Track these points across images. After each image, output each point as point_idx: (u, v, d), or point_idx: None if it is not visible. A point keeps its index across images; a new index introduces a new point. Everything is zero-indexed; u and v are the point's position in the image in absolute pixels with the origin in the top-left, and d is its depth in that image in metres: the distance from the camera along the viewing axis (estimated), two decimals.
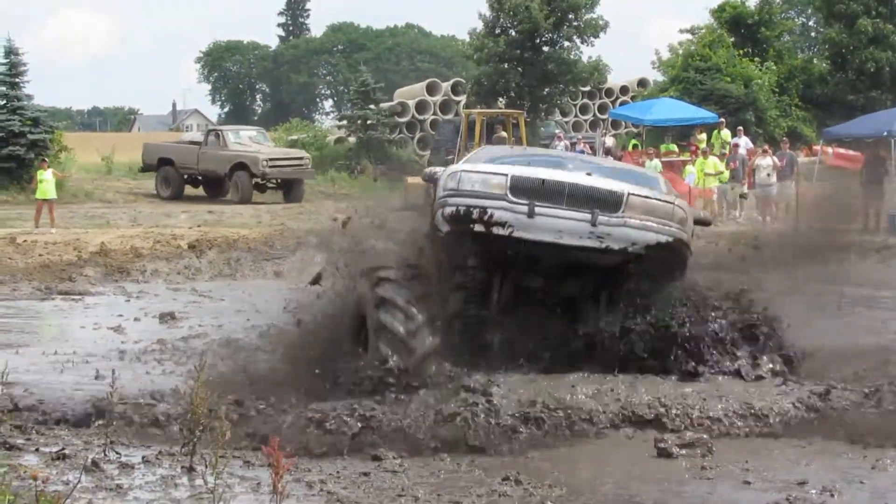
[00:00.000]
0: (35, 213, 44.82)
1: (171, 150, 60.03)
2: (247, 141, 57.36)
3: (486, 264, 15.71)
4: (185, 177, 58.19)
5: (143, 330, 23.60)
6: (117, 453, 12.77)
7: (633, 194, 15.64)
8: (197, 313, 25.71)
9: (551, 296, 16.02)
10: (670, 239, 15.38)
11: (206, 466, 10.30)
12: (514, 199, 14.79)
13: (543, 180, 15.26)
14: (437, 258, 16.17)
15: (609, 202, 15.12)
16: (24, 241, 38.60)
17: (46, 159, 50.42)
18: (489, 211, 14.74)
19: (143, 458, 12.65)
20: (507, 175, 15.11)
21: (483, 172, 15.62)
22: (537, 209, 14.69)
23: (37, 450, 13.56)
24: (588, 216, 14.85)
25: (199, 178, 58.04)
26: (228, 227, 42.94)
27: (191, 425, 11.00)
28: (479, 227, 14.89)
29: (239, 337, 21.81)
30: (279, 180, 55.57)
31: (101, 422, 13.96)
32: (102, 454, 12.65)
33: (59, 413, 15.90)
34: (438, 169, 17.14)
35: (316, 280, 20.27)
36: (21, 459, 12.95)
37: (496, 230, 14.76)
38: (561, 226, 14.83)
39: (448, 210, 14.99)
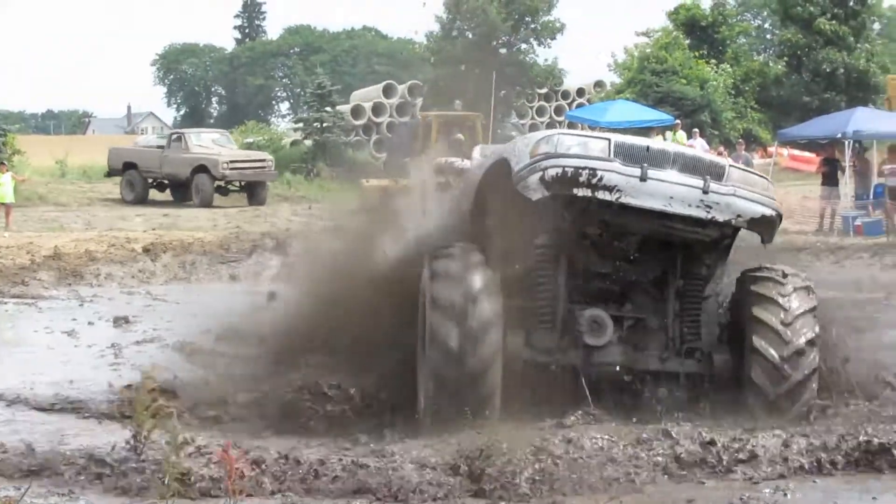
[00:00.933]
0: None
1: (134, 153, 59.85)
2: (209, 144, 57.35)
3: (561, 241, 14.32)
4: (150, 181, 58.00)
5: (96, 334, 23.55)
6: None
7: (733, 166, 14.66)
8: (151, 317, 25.68)
9: (616, 280, 14.72)
10: (773, 213, 14.38)
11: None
12: (623, 162, 13.61)
13: (648, 146, 14.08)
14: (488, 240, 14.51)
15: (714, 172, 13.99)
16: None
17: (5, 163, 50.58)
18: (599, 173, 13.42)
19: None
20: (609, 140, 13.93)
21: (582, 135, 14.69)
22: (650, 173, 13.55)
23: None
24: (701, 183, 13.70)
25: (164, 181, 57.84)
26: (184, 230, 42.92)
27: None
28: (582, 192, 13.46)
29: (192, 341, 21.78)
30: (242, 183, 55.57)
31: None
32: None
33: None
34: (454, 159, 16.69)
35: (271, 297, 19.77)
36: None
37: (601, 194, 13.45)
38: (673, 191, 13.65)
39: (551, 172, 13.41)
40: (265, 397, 16.32)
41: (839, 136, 48.67)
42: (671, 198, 13.54)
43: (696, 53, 72.69)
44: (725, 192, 13.74)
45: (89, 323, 25.16)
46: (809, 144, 53.99)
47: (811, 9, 74.03)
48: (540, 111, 77.32)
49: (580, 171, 13.33)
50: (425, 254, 14.32)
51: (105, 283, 32.80)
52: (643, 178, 13.38)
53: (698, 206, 13.65)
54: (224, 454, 8.77)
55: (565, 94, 76.77)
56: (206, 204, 53.48)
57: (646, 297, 14.86)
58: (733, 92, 72.34)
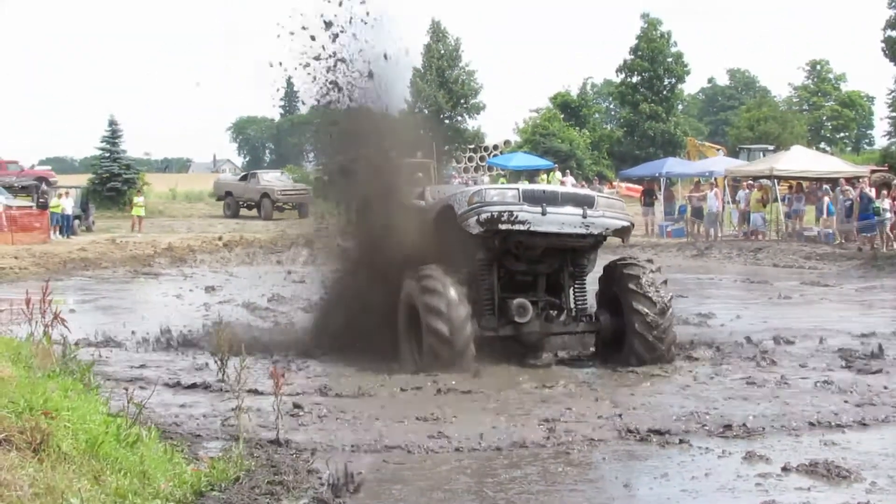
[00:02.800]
0: (132, 224, 45.31)
1: (231, 185, 60.13)
2: (272, 179, 57.83)
3: (493, 255, 14.13)
4: (240, 203, 57.86)
5: (194, 297, 23.66)
6: None
7: (600, 195, 14.92)
8: (228, 287, 25.74)
9: (530, 275, 14.54)
10: (628, 223, 14.37)
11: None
12: (529, 204, 13.55)
13: (544, 190, 14.31)
14: (445, 255, 14.13)
15: (587, 202, 14.00)
16: (120, 241, 38.56)
17: (141, 190, 50.85)
18: (514, 213, 13.41)
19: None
20: (518, 188, 13.95)
21: (499, 188, 14.39)
22: (548, 209, 13.52)
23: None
24: (580, 211, 13.70)
25: (247, 204, 57.63)
26: (249, 232, 42.98)
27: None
28: (505, 226, 13.46)
29: (253, 301, 21.93)
30: (292, 204, 55.85)
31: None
32: None
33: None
34: (427, 194, 15.64)
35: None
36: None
37: (517, 227, 13.45)
38: (564, 220, 13.63)
39: (483, 215, 13.39)
40: (294, 339, 16.52)
41: (657, 175, 49.23)
42: (563, 223, 13.60)
43: (567, 124, 72.90)
44: (597, 215, 13.82)
45: (190, 290, 25.26)
46: (638, 180, 54.31)
47: (638, 97, 74.40)
48: (470, 159, 77.32)
49: (502, 213, 13.36)
50: (408, 268, 13.92)
51: (200, 265, 32.87)
52: (544, 213, 13.45)
53: (581, 227, 13.72)
54: (274, 371, 9.03)
55: (486, 148, 76.61)
56: (268, 218, 53.44)
57: (549, 284, 14.71)
58: (591, 148, 72.53)
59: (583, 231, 13.84)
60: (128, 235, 42.81)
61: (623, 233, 14.43)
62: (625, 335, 14.25)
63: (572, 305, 14.75)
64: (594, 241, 14.37)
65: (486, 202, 13.52)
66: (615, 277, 14.51)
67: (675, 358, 14.26)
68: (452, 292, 13.30)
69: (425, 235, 14.31)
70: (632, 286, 14.11)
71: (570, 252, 14.50)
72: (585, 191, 16.14)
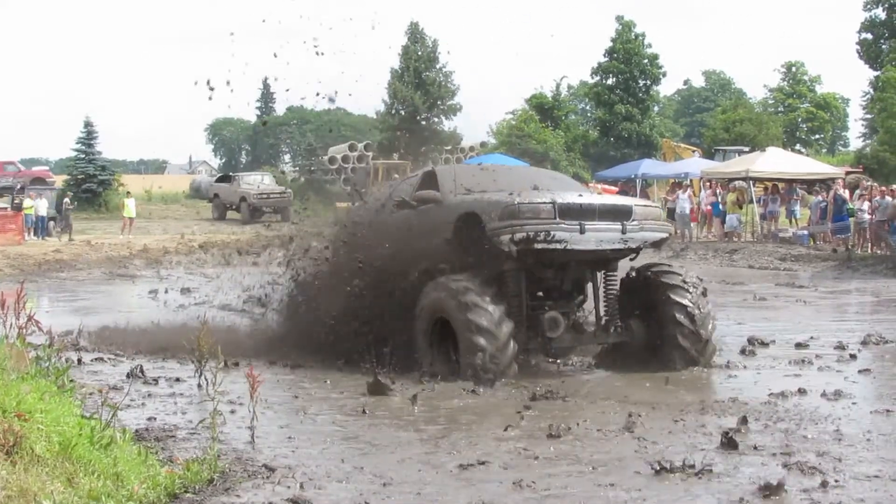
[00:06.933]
0: (122, 225, 45.36)
1: (217, 188, 60.29)
2: (252, 182, 57.94)
3: (521, 264, 13.29)
4: (226, 205, 58.06)
5: (169, 298, 23.60)
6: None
7: (637, 205, 13.88)
8: (203, 288, 25.69)
9: (557, 281, 13.87)
10: (666, 235, 13.89)
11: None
12: (565, 220, 12.77)
13: (581, 205, 13.10)
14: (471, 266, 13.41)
15: (625, 214, 13.29)
16: (96, 242, 38.48)
17: (130, 192, 50.89)
18: (551, 233, 12.62)
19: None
20: (554, 203, 12.89)
21: (533, 203, 12.89)
22: (586, 225, 12.83)
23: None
24: (619, 227, 13.09)
25: (232, 206, 57.71)
26: (224, 234, 42.92)
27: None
28: (541, 245, 12.72)
29: (228, 302, 21.85)
30: (271, 208, 55.86)
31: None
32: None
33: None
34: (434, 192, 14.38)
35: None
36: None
37: (553, 245, 12.70)
38: (602, 236, 12.96)
39: (518, 235, 12.57)
40: (271, 340, 16.46)
41: (633, 176, 49.41)
42: (601, 240, 12.99)
43: (543, 125, 73.03)
44: (636, 229, 13.21)
45: (165, 291, 25.22)
46: (614, 182, 54.45)
47: (613, 97, 74.65)
48: (446, 161, 77.22)
49: (538, 233, 12.60)
50: (434, 274, 13.35)
51: (175, 266, 32.81)
52: (582, 231, 12.77)
53: (619, 242, 13.14)
54: (249, 372, 9.01)
55: (462, 150, 76.71)
56: (246, 222, 53.45)
57: (578, 294, 14.22)
58: (566, 149, 72.67)
59: (622, 246, 13.31)
60: (103, 237, 42.78)
61: (660, 244, 14.01)
62: (657, 346, 13.71)
63: (602, 314, 14.05)
64: (631, 253, 13.86)
65: (520, 219, 12.72)
66: (649, 284, 13.95)
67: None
68: (495, 308, 12.69)
69: (442, 241, 13.63)
70: (673, 296, 13.58)
71: (604, 262, 13.90)
72: (622, 200, 15.02)
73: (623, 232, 13.14)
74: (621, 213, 13.35)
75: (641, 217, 13.45)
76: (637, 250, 13.74)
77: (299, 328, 15.60)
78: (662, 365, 13.42)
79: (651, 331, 13.80)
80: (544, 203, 12.90)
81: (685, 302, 13.49)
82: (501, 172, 15.57)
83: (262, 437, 9.41)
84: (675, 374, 13.07)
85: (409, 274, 13.77)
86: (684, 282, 13.69)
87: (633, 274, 14.23)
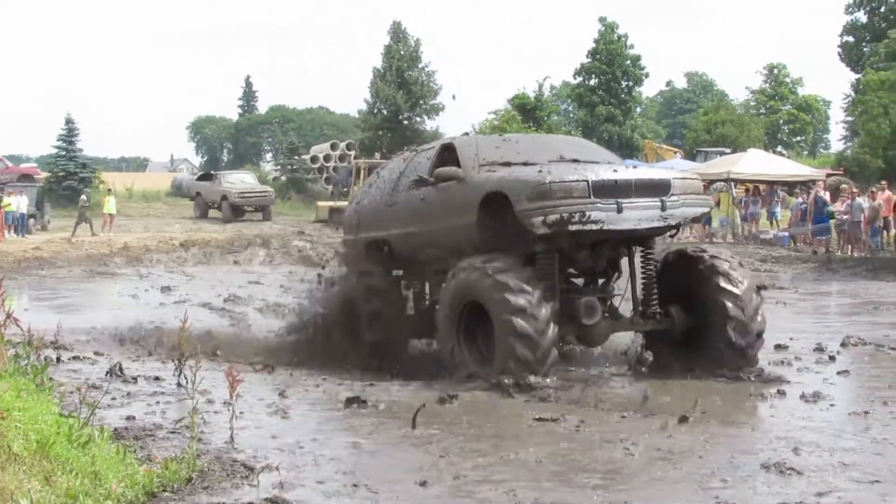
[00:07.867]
0: (102, 223, 45.18)
1: (199, 186, 59.81)
2: (234, 180, 57.58)
3: (554, 246, 12.35)
4: (208, 203, 57.61)
5: (150, 297, 23.59)
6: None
7: (676, 178, 12.76)
8: (184, 287, 25.69)
9: (591, 261, 12.87)
10: (707, 209, 13.25)
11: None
12: (600, 199, 11.82)
13: (616, 181, 12.10)
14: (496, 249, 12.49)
15: (663, 188, 12.27)
16: (76, 240, 38.40)
17: (111, 189, 50.71)
18: (587, 213, 11.67)
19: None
20: (587, 181, 11.90)
21: (565, 182, 11.88)
22: (623, 203, 11.87)
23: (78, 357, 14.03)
24: (658, 203, 12.09)
25: (213, 205, 57.40)
26: (206, 233, 42.87)
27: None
28: (576, 227, 11.81)
29: (209, 301, 21.88)
30: (253, 207, 55.63)
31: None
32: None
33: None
34: (456, 168, 13.37)
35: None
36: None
37: (590, 227, 11.74)
38: (641, 215, 11.95)
39: (551, 217, 11.65)
40: (253, 338, 16.46)
41: None
42: (640, 219, 12.01)
43: (525, 125, 73.08)
44: (677, 205, 12.21)
45: (145, 290, 25.22)
46: None
47: (595, 98, 74.84)
48: None
49: (573, 214, 11.68)
50: (471, 266, 12.19)
51: (156, 265, 32.81)
52: (619, 210, 11.82)
53: (659, 220, 12.15)
54: (229, 371, 8.98)
55: None
56: (227, 220, 53.33)
57: (613, 272, 13.18)
58: None
59: (661, 223, 12.32)
60: (101, 234, 42.82)
61: (701, 218, 13.41)
62: (700, 337, 12.78)
63: (640, 299, 13.04)
64: (671, 230, 12.84)
65: (552, 199, 11.81)
66: (692, 268, 12.93)
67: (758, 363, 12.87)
68: (534, 288, 11.78)
69: (467, 223, 12.85)
70: (723, 284, 12.59)
71: (641, 239, 12.96)
72: (660, 173, 13.85)
73: (663, 209, 12.20)
74: (660, 188, 12.38)
75: (681, 191, 12.49)
76: (678, 227, 12.81)
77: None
78: (704, 360, 12.59)
79: (693, 320, 12.86)
80: (577, 181, 12.01)
81: (737, 291, 12.55)
82: (524, 143, 14.49)
83: (243, 436, 9.37)
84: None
85: (431, 258, 13.39)
86: (734, 268, 12.78)
87: (672, 256, 13.37)
